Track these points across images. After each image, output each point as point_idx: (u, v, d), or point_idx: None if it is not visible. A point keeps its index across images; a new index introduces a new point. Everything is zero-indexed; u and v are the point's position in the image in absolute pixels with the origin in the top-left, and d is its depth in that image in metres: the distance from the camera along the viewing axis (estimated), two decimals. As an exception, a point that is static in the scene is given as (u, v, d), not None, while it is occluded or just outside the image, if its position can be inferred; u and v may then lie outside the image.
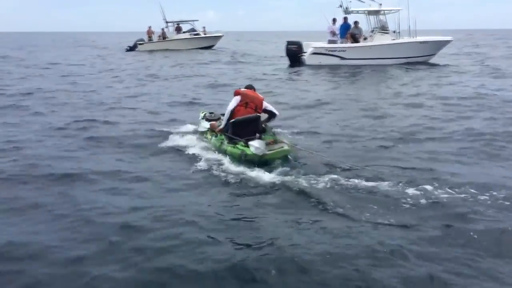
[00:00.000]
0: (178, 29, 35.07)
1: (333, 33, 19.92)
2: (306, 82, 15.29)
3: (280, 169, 5.72)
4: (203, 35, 34.81)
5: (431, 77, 15.60)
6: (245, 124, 6.61)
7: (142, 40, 34.72)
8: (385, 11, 19.75)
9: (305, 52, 19.56)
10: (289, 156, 6.19)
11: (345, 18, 19.93)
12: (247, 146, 6.15)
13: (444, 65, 20.03)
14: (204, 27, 36.10)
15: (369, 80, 15.44)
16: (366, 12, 20.13)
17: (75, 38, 73.84)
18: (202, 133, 7.49)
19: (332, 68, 18.18)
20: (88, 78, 16.45)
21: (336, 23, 20.26)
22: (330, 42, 19.96)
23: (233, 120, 6.68)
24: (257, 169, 5.73)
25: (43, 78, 16.59)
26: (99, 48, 41.60)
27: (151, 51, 32.69)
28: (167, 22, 34.95)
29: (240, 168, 5.82)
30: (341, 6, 19.80)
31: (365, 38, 19.95)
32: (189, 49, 33.18)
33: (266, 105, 7.10)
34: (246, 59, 25.70)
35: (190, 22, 35.51)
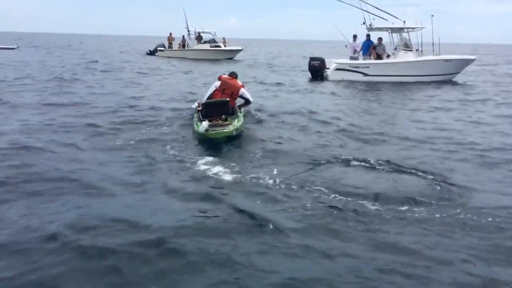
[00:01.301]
0: (199, 38, 35.35)
1: (354, 50, 19.90)
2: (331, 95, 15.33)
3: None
4: (223, 47, 35.03)
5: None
6: (215, 106, 7.66)
7: (162, 46, 35.14)
8: (409, 29, 19.70)
9: (328, 68, 19.57)
10: (232, 136, 7.23)
11: (368, 35, 19.92)
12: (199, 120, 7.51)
13: (468, 85, 19.86)
14: (224, 38, 36.37)
15: (389, 97, 15.36)
16: (389, 29, 20.11)
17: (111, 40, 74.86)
18: None
19: (355, 84, 18.14)
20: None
21: (357, 39, 20.31)
22: (352, 59, 19.95)
23: (203, 102, 7.82)
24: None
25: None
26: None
27: (169, 58, 33.04)
28: (188, 31, 35.34)
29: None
30: (364, 23, 19.80)
31: (388, 56, 19.92)
32: (208, 59, 33.44)
33: (243, 92, 8.39)
34: (267, 70, 25.90)
35: (211, 32, 35.78)
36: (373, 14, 19.60)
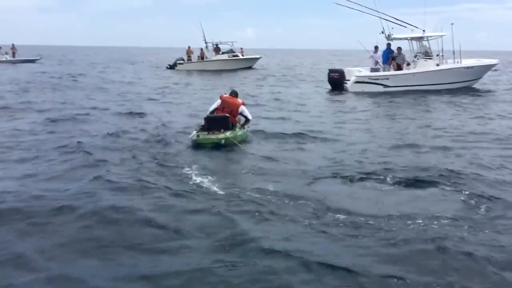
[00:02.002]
0: (217, 50, 35.77)
1: (376, 62, 19.91)
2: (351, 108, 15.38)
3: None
4: (241, 57, 35.39)
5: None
6: (216, 121, 8.56)
7: (182, 59, 35.67)
8: (429, 37, 19.61)
9: (347, 80, 19.62)
10: (220, 144, 8.21)
11: (388, 45, 19.90)
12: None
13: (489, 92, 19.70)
14: (241, 48, 36.75)
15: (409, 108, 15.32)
16: (409, 38, 20.06)
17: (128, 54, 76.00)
18: None
19: (375, 95, 18.11)
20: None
21: (378, 50, 20.27)
22: (373, 70, 19.91)
23: (205, 116, 8.76)
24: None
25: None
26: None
27: (189, 71, 33.56)
28: (206, 43, 35.80)
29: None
30: (383, 32, 19.78)
31: (408, 64, 19.85)
32: (227, 69, 33.82)
33: (243, 109, 9.08)
34: (286, 80, 26.12)
35: (228, 43, 36.20)
36: (392, 23, 19.61)
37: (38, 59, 42.95)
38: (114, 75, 29.61)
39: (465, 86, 20.03)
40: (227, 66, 34.50)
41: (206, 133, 8.48)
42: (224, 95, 9.19)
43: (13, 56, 41.45)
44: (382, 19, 19.46)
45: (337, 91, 19.43)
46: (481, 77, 20.75)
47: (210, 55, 35.69)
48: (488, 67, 20.65)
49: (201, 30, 35.75)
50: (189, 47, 36.56)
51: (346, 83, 19.66)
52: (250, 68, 35.40)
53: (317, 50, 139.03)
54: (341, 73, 19.93)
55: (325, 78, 20.78)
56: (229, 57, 35.11)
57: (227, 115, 8.70)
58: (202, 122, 9.05)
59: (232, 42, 36.35)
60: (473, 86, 20.57)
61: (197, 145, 8.35)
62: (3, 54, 40.90)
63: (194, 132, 8.60)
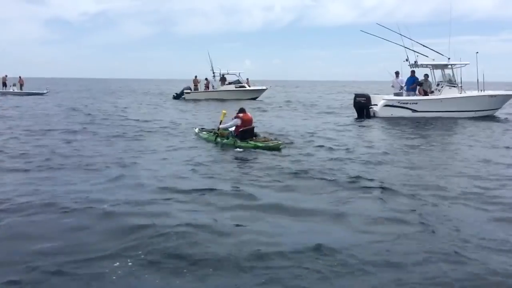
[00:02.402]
0: (223, 80, 35.81)
1: (400, 87, 19.99)
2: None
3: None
4: (247, 87, 35.41)
5: None
6: (248, 132, 11.22)
7: (189, 88, 35.48)
8: (453, 65, 19.87)
9: (373, 105, 19.56)
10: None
11: (413, 72, 20.06)
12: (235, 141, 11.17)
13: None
14: (247, 79, 36.83)
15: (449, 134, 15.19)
16: (432, 66, 20.29)
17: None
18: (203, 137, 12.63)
19: (405, 120, 18.04)
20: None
21: (399, 75, 20.44)
22: (396, 95, 20.01)
23: (241, 129, 11.16)
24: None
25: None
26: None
27: (196, 100, 33.33)
28: (213, 72, 35.83)
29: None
30: (407, 59, 20.00)
31: (431, 92, 19.97)
32: (233, 99, 33.64)
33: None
34: (301, 110, 25.96)
35: (235, 73, 36.31)
36: (416, 52, 19.85)
37: (45, 93, 41.93)
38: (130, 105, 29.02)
39: (487, 115, 20.21)
40: (233, 96, 34.34)
41: (246, 141, 11.03)
42: (240, 115, 11.31)
43: (21, 89, 40.61)
44: (406, 48, 19.76)
45: (364, 118, 19.25)
46: (501, 107, 20.99)
47: (217, 85, 35.67)
48: (509, 97, 20.94)
49: (209, 60, 35.97)
50: (195, 76, 36.53)
51: (371, 107, 19.59)
52: (255, 99, 35.33)
53: (316, 82, 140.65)
54: (367, 98, 19.85)
55: (340, 107, 20.72)
56: (235, 87, 35.08)
57: (253, 126, 11.54)
58: (196, 129, 13.53)
59: (239, 73, 36.50)
60: (494, 114, 20.77)
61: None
62: (10, 86, 40.15)
63: (195, 129, 13.47)
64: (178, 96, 35.44)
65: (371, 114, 19.45)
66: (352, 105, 20.56)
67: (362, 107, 19.77)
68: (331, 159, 9.75)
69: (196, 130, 13.47)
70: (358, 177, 7.80)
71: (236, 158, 9.90)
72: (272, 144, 10.89)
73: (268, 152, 10.33)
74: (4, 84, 40.64)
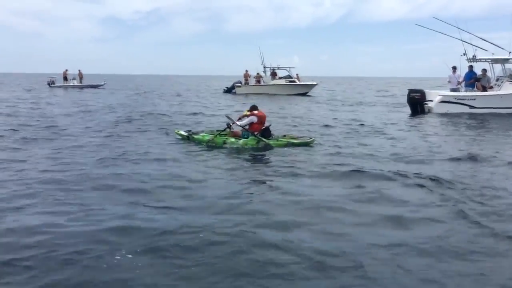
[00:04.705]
0: (274, 75, 36.19)
1: (457, 82, 19.50)
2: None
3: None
4: (298, 82, 35.54)
5: None
6: (267, 130, 11.02)
7: (239, 82, 36.16)
8: (514, 60, 19.13)
9: (428, 101, 19.21)
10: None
11: (470, 67, 19.50)
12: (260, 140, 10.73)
13: None
14: (297, 74, 36.95)
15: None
16: (491, 60, 19.62)
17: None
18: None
19: (463, 116, 17.58)
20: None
21: (456, 71, 19.89)
22: (453, 91, 19.52)
23: (263, 128, 10.97)
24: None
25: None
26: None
27: (247, 94, 33.90)
28: (264, 67, 36.26)
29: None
30: (465, 54, 19.47)
31: (490, 87, 19.32)
32: (283, 94, 33.89)
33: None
34: (356, 107, 25.82)
35: (286, 68, 36.55)
36: (474, 46, 19.28)
37: (102, 84, 44.93)
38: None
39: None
40: (283, 91, 34.62)
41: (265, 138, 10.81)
42: (255, 112, 11.03)
43: (80, 82, 44.02)
44: (464, 42, 19.24)
45: (418, 114, 18.94)
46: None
47: (267, 79, 36.09)
48: None
49: (260, 55, 36.49)
50: (246, 71, 37.13)
51: (426, 103, 19.24)
52: (305, 94, 35.39)
53: (365, 78, 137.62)
54: (422, 94, 19.53)
55: (391, 103, 20.43)
56: (286, 82, 35.31)
57: (269, 125, 11.26)
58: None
59: (289, 68, 36.72)
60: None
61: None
62: (71, 79, 43.62)
63: (181, 131, 11.97)
64: (228, 90, 36.17)
65: (426, 110, 19.14)
66: (406, 101, 20.30)
67: (417, 103, 19.48)
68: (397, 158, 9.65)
69: (183, 132, 11.96)
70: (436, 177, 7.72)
71: (281, 160, 9.16)
72: (309, 140, 11.02)
73: (300, 148, 10.36)
74: (65, 78, 43.31)
